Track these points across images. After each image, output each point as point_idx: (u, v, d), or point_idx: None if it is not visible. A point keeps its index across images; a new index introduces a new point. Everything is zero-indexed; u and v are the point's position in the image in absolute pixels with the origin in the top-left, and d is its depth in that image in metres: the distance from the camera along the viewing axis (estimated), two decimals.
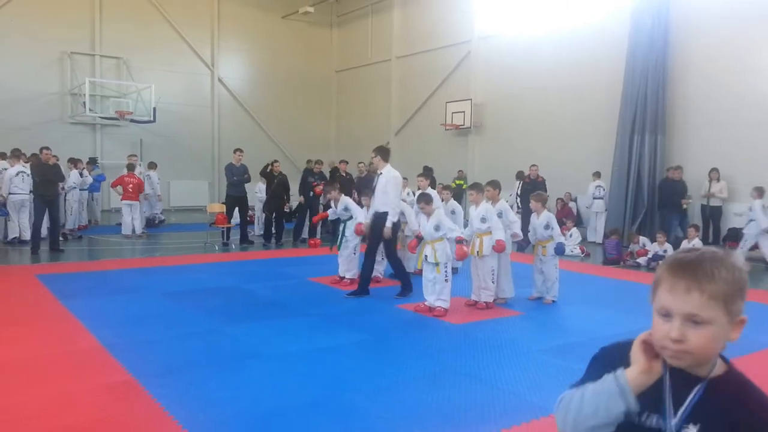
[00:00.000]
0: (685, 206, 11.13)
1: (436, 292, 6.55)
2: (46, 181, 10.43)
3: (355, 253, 8.26)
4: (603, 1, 14.50)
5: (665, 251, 10.40)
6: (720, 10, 12.33)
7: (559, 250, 7.24)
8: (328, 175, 13.56)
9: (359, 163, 14.11)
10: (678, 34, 12.98)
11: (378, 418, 3.75)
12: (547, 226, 7.28)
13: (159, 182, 15.70)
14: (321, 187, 12.15)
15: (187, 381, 4.31)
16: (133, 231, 12.74)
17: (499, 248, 6.72)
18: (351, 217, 8.24)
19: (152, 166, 15.69)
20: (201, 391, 4.13)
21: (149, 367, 4.57)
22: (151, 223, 14.98)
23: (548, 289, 7.29)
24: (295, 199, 13.52)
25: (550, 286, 7.27)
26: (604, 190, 13.83)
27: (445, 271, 6.53)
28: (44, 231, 10.72)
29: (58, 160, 12.98)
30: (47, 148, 10.69)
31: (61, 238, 11.13)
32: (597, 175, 13.89)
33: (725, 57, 12.26)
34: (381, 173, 7.51)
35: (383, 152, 7.59)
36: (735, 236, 11.43)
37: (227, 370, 4.61)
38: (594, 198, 13.86)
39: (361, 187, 11.81)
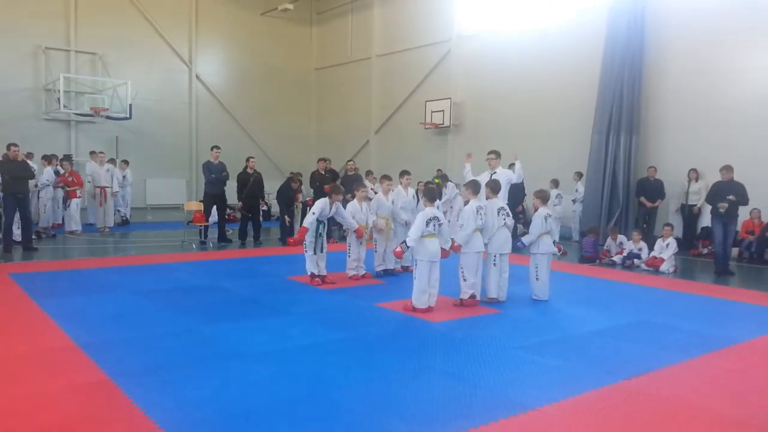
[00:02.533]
0: (721, 210, 9.71)
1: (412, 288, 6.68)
2: (16, 178, 10.21)
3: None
4: (581, 1, 14.68)
5: (640, 249, 10.55)
6: (695, 12, 12.55)
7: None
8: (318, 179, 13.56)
9: (348, 161, 14.14)
10: (654, 35, 13.18)
11: (359, 415, 3.76)
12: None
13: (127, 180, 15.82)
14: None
15: (165, 381, 4.27)
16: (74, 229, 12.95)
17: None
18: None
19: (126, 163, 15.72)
20: (178, 390, 4.09)
21: (125, 367, 4.52)
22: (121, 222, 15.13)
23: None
24: (271, 198, 13.45)
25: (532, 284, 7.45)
26: (577, 191, 14.08)
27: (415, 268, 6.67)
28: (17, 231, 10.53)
29: (32, 157, 12.78)
30: (15, 145, 10.44)
31: (34, 237, 10.92)
32: (578, 174, 14.08)
33: (699, 59, 12.48)
34: (496, 171, 8.45)
35: (499, 154, 8.76)
36: (707, 235, 11.65)
37: (205, 369, 4.57)
38: (573, 201, 14.11)
39: (347, 184, 11.81)
